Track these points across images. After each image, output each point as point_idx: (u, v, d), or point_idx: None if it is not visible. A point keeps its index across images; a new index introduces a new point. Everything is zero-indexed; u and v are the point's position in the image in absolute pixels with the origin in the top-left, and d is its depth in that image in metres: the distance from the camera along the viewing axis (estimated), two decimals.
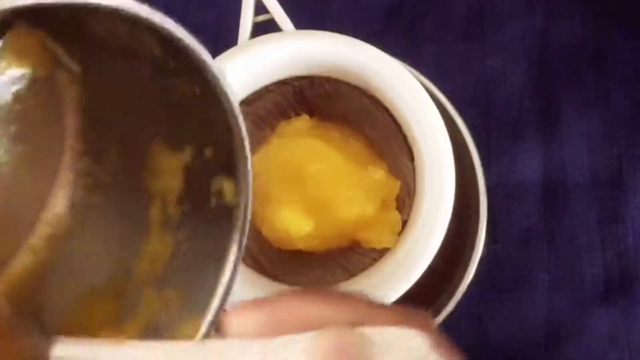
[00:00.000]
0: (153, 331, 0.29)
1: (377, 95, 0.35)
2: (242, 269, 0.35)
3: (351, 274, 0.35)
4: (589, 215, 0.45)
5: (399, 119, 0.35)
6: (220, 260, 0.28)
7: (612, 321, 0.44)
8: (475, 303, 0.43)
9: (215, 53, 0.34)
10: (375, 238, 0.34)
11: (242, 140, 0.26)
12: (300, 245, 0.34)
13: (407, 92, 0.34)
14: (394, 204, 0.35)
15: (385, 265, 0.34)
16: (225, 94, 0.25)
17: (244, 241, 0.27)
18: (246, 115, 0.36)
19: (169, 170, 0.29)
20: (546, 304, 0.44)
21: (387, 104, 0.35)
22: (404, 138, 0.35)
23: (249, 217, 0.27)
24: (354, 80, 0.35)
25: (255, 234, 0.35)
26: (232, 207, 0.27)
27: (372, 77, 0.34)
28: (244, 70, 0.34)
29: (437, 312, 0.39)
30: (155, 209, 0.29)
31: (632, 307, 0.44)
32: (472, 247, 0.39)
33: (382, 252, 0.35)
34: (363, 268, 0.35)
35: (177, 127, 0.28)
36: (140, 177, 0.29)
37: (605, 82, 0.46)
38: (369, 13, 0.47)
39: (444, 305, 0.39)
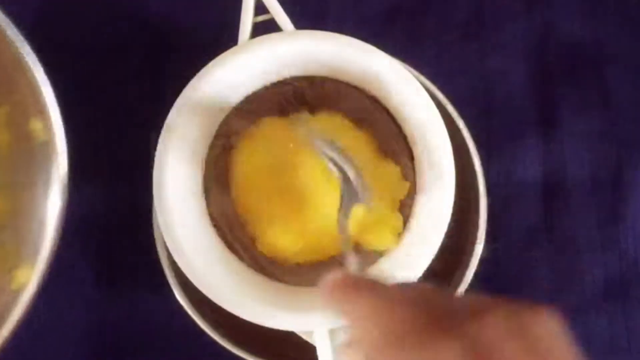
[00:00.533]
0: None
1: (377, 95, 0.35)
2: (243, 268, 0.35)
3: None
4: (589, 215, 0.45)
5: (399, 119, 0.35)
6: (45, 203, 0.28)
7: (612, 320, 0.44)
8: None
9: (215, 53, 0.34)
10: (376, 240, 0.34)
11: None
12: (295, 260, 0.34)
13: (407, 93, 0.34)
14: (398, 205, 0.35)
15: (386, 266, 0.34)
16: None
17: (62, 181, 0.28)
18: (246, 115, 0.36)
19: None
20: (546, 304, 0.44)
21: (387, 104, 0.35)
22: (404, 138, 0.35)
23: (63, 151, 0.27)
24: (354, 81, 0.35)
25: (251, 244, 0.35)
26: (46, 143, 0.27)
27: (372, 77, 0.34)
28: (244, 70, 0.34)
29: None
30: None
31: (631, 307, 0.44)
32: (472, 247, 0.39)
33: (382, 253, 0.35)
34: (363, 269, 0.35)
35: None
36: None
37: (605, 82, 0.46)
38: (369, 13, 0.47)
39: None
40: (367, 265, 0.35)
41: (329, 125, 0.35)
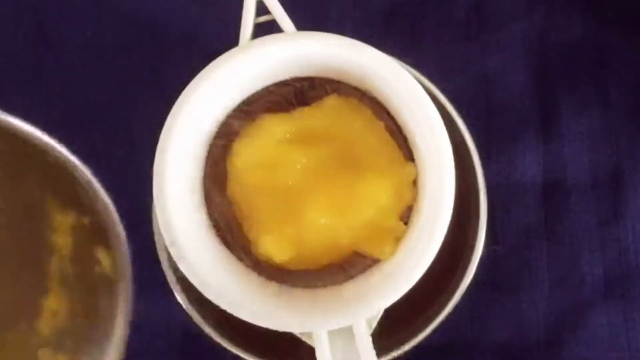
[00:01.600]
0: None
1: (378, 96, 0.35)
2: (242, 269, 0.35)
3: (350, 275, 0.35)
4: (589, 215, 0.45)
5: (399, 120, 0.35)
6: (107, 335, 0.27)
7: (612, 321, 0.44)
8: (475, 303, 0.43)
9: (215, 53, 0.34)
10: (377, 250, 0.34)
11: (114, 224, 0.25)
12: (290, 267, 0.34)
13: (407, 93, 0.34)
14: (404, 211, 0.35)
15: (385, 267, 0.34)
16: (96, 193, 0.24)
17: (128, 318, 0.26)
18: (247, 116, 0.36)
19: (61, 227, 0.28)
20: (546, 304, 0.44)
21: (387, 105, 0.35)
22: (404, 140, 0.35)
23: (129, 296, 0.26)
24: (354, 82, 0.35)
25: (249, 245, 0.35)
26: (112, 280, 0.26)
27: (372, 78, 0.34)
28: (244, 71, 0.34)
29: (437, 312, 0.39)
30: (54, 263, 0.29)
31: (632, 308, 0.44)
32: (472, 247, 0.39)
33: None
34: (362, 270, 0.35)
35: (61, 188, 0.27)
36: (39, 228, 0.29)
37: (605, 82, 0.46)
38: (369, 13, 0.47)
39: (444, 305, 0.39)
40: (366, 267, 0.35)
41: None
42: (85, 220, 0.26)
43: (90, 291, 0.28)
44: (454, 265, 0.40)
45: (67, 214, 0.27)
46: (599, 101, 0.46)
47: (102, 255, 0.26)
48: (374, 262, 0.35)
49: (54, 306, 0.29)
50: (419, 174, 0.35)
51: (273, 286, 0.35)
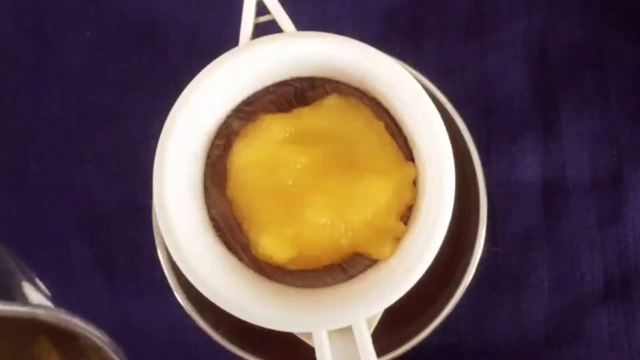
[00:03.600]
0: None
1: (377, 96, 0.35)
2: (242, 269, 0.35)
3: (350, 275, 0.35)
4: (589, 215, 0.45)
5: (399, 121, 0.35)
6: None
7: (612, 321, 0.44)
8: (475, 303, 0.43)
9: (215, 53, 0.34)
10: (377, 251, 0.34)
11: None
12: (288, 268, 0.34)
13: (406, 94, 0.34)
14: (403, 211, 0.35)
15: (385, 267, 0.34)
16: None
17: None
18: (247, 116, 0.36)
19: None
20: (546, 304, 0.44)
21: (387, 105, 0.35)
22: (404, 139, 0.35)
23: None
24: (354, 82, 0.35)
25: (249, 245, 0.35)
26: None
27: (372, 78, 0.34)
28: (245, 70, 0.34)
29: (437, 312, 0.39)
30: None
31: (632, 308, 0.44)
32: (472, 248, 0.39)
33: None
34: (362, 270, 0.35)
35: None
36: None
37: (605, 82, 0.46)
38: (369, 13, 0.47)
39: (444, 305, 0.39)
40: (365, 267, 0.35)
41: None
42: None
43: None
44: (454, 265, 0.40)
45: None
46: (599, 101, 0.46)
47: None
48: (374, 262, 0.35)
49: None
50: (419, 174, 0.35)
51: (273, 286, 0.35)
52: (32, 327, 0.24)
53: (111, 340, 0.23)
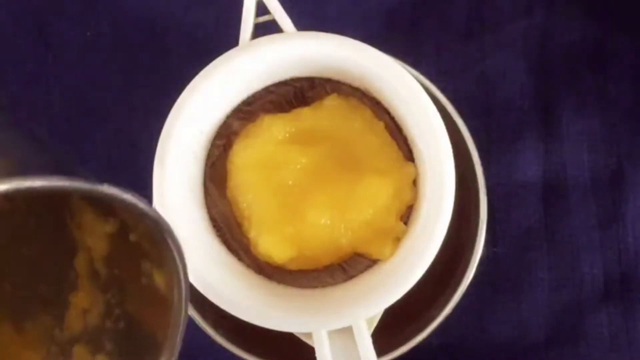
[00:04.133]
0: None
1: (378, 96, 0.35)
2: (242, 269, 0.35)
3: (350, 275, 0.35)
4: (589, 215, 0.45)
5: (399, 120, 0.35)
6: (157, 345, 0.26)
7: (612, 321, 0.44)
8: (475, 303, 0.43)
9: (215, 53, 0.34)
10: (377, 251, 0.34)
11: (177, 265, 0.24)
12: (288, 268, 0.34)
13: (406, 94, 0.34)
14: (404, 211, 0.35)
15: (385, 267, 0.34)
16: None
17: (182, 332, 0.26)
18: (247, 116, 0.36)
19: (94, 230, 0.27)
20: (546, 304, 0.44)
21: (387, 105, 0.35)
22: (404, 139, 0.35)
23: (185, 314, 0.25)
24: (354, 82, 0.35)
25: (249, 246, 0.35)
26: (166, 297, 0.25)
27: (372, 78, 0.34)
28: (245, 70, 0.34)
29: (437, 313, 0.39)
30: (81, 260, 0.28)
31: (632, 307, 0.44)
32: (472, 248, 0.39)
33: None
34: (362, 270, 0.35)
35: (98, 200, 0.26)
36: (66, 224, 0.28)
37: (605, 82, 0.46)
38: (369, 13, 0.47)
39: (444, 305, 0.39)
40: (366, 267, 0.35)
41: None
42: (132, 237, 0.26)
43: (134, 301, 0.27)
44: (454, 265, 0.40)
45: (104, 222, 0.27)
46: (599, 101, 0.46)
47: (155, 272, 0.26)
48: (374, 262, 0.35)
49: (84, 304, 0.29)
50: (419, 174, 0.35)
51: (273, 286, 0.35)
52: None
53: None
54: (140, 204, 0.22)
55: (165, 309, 0.25)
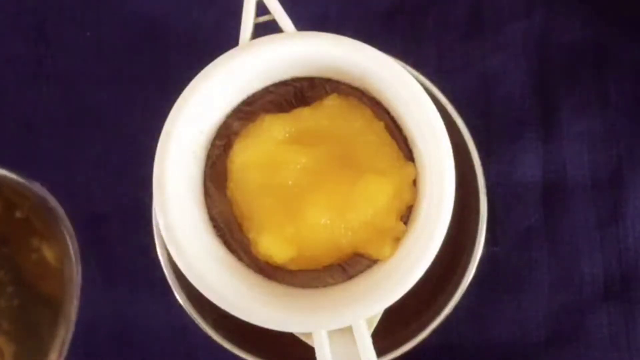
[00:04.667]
0: None
1: (378, 96, 0.35)
2: (242, 269, 0.35)
3: (350, 275, 0.35)
4: (589, 215, 0.45)
5: (399, 120, 0.35)
6: (54, 318, 0.26)
7: (612, 321, 0.44)
8: (475, 303, 0.43)
9: (215, 53, 0.34)
10: (376, 251, 0.34)
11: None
12: (290, 267, 0.34)
13: (406, 94, 0.34)
14: (404, 212, 0.35)
15: (385, 267, 0.34)
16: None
17: (75, 307, 0.26)
18: (247, 116, 0.36)
19: None
20: (546, 304, 0.44)
21: (387, 105, 0.35)
22: (404, 139, 0.35)
23: (77, 284, 0.26)
24: (354, 82, 0.35)
25: (249, 245, 0.35)
26: (58, 270, 0.26)
27: (372, 78, 0.34)
28: (245, 70, 0.34)
29: (437, 312, 0.39)
30: None
31: (632, 307, 0.44)
32: (472, 248, 0.39)
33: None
34: (362, 270, 0.35)
35: None
36: None
37: (605, 82, 0.46)
38: (369, 13, 0.47)
39: (444, 305, 0.39)
40: (366, 267, 0.35)
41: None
42: (19, 214, 0.26)
43: (28, 276, 0.27)
44: (454, 265, 0.40)
45: None
46: (599, 101, 0.46)
47: (44, 246, 0.26)
48: (374, 262, 0.35)
49: None
50: (419, 174, 0.35)
51: (273, 286, 0.35)
52: None
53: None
54: (25, 182, 0.23)
55: (58, 280, 0.25)
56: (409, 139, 0.35)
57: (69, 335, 0.26)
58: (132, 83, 0.47)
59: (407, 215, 0.35)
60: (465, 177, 0.39)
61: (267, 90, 0.36)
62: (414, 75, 0.34)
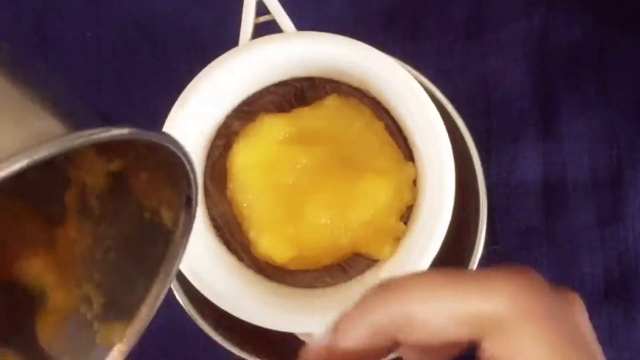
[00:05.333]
0: (72, 323, 0.28)
1: (378, 96, 0.35)
2: (242, 269, 0.35)
3: (350, 276, 0.35)
4: (589, 215, 0.45)
5: (399, 120, 0.35)
6: (151, 277, 0.27)
7: (612, 321, 0.44)
8: None
9: (215, 53, 0.34)
10: (376, 251, 0.34)
11: (189, 189, 0.24)
12: (290, 267, 0.34)
13: (407, 94, 0.34)
14: (404, 211, 0.35)
15: (385, 267, 0.34)
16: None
17: (177, 266, 0.26)
18: (247, 116, 0.36)
19: (93, 168, 0.28)
20: None
21: (387, 105, 0.35)
22: (404, 139, 0.35)
23: (186, 246, 0.26)
24: (354, 82, 0.35)
25: (249, 245, 0.35)
26: (170, 231, 0.26)
27: (372, 78, 0.34)
28: (245, 70, 0.34)
29: None
30: (71, 195, 0.28)
31: (632, 308, 0.44)
32: (472, 247, 0.39)
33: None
34: (362, 270, 0.35)
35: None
36: (58, 165, 0.28)
37: (605, 82, 0.46)
38: (369, 13, 0.47)
39: None
40: (366, 267, 0.35)
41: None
42: (143, 176, 0.26)
43: (129, 234, 0.28)
44: (454, 265, 0.40)
45: (107, 161, 0.27)
46: (599, 101, 0.46)
47: (163, 208, 0.26)
48: (374, 262, 0.35)
49: (72, 236, 0.29)
50: (419, 174, 0.35)
51: (273, 286, 0.35)
52: None
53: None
54: (166, 141, 0.23)
55: (166, 242, 0.26)
56: (409, 139, 0.35)
57: (164, 292, 0.27)
58: (132, 83, 0.47)
59: (407, 215, 0.35)
60: (465, 177, 0.39)
61: (267, 90, 0.36)
62: (414, 75, 0.34)
